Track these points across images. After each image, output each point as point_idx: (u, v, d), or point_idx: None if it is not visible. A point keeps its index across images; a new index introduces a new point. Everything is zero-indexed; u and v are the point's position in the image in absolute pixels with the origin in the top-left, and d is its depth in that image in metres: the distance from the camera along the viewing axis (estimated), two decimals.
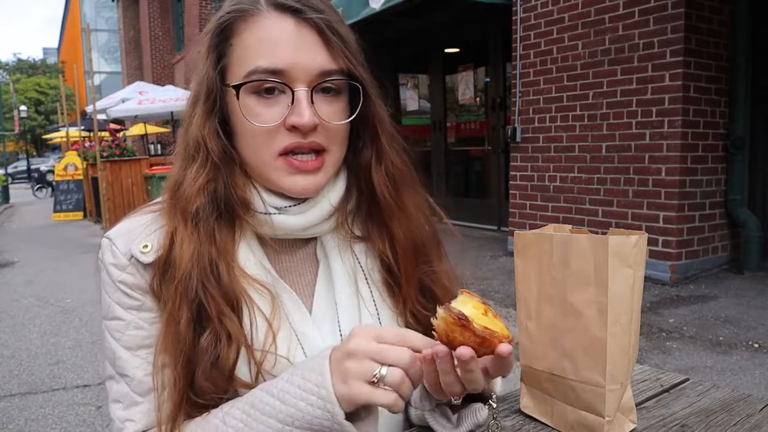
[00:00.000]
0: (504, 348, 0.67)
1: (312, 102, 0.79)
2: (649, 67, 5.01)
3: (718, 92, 5.10)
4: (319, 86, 0.80)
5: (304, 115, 0.78)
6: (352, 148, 0.88)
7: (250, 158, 0.83)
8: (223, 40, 0.82)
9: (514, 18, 6.32)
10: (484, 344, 0.66)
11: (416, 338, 0.69)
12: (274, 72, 0.78)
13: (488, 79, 8.32)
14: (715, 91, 5.07)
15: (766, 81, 5.27)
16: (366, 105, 0.84)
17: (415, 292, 0.89)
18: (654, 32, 4.96)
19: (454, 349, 0.67)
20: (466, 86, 8.71)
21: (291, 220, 0.84)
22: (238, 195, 0.82)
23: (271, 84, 0.79)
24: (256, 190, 0.84)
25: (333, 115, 0.81)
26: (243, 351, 0.79)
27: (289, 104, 0.79)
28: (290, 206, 0.84)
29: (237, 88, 0.79)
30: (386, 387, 0.66)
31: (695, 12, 4.86)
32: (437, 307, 0.68)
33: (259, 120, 0.79)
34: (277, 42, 0.78)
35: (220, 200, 0.81)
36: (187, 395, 0.77)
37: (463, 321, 0.65)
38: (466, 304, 0.69)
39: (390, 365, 0.66)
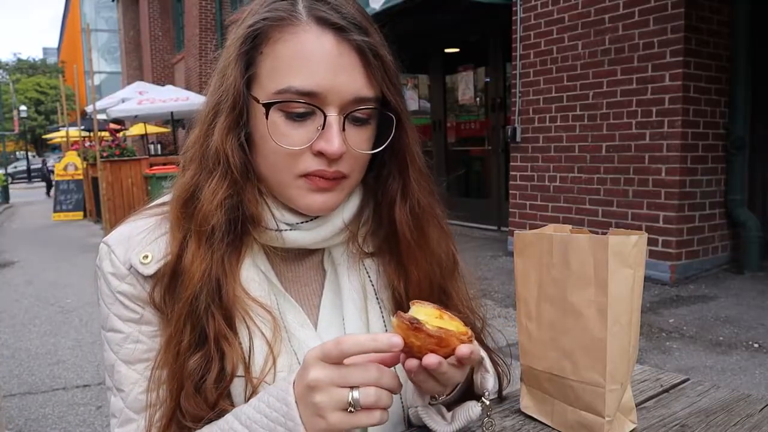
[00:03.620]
0: (463, 350, 0.66)
1: (343, 129, 0.76)
2: (649, 67, 5.01)
3: (718, 92, 5.10)
4: (351, 114, 0.76)
5: (334, 143, 0.74)
6: (374, 172, 0.86)
7: (268, 175, 0.80)
8: (253, 47, 0.77)
9: (514, 18, 6.32)
10: (441, 344, 0.66)
11: (363, 341, 0.63)
12: (308, 94, 0.74)
13: (488, 79, 8.32)
14: (715, 91, 5.07)
15: (766, 81, 5.27)
16: (398, 136, 0.81)
17: None
18: (654, 32, 4.96)
19: (416, 356, 0.66)
20: (466, 86, 8.71)
21: (302, 236, 0.82)
22: (251, 211, 0.79)
23: (303, 107, 0.75)
24: (268, 207, 0.81)
25: (361, 143, 0.78)
26: (239, 372, 0.77)
27: (319, 128, 0.75)
28: (302, 222, 0.82)
29: (267, 107, 0.75)
30: (365, 408, 0.63)
31: (695, 12, 4.86)
32: (391, 317, 0.67)
33: (286, 141, 0.75)
34: (315, 61, 0.73)
35: (237, 219, 0.78)
36: (176, 415, 0.76)
37: (415, 324, 0.64)
38: (418, 313, 0.69)
39: (359, 386, 0.62)
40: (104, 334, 0.81)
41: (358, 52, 0.75)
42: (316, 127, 0.75)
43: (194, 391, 0.74)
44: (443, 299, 0.88)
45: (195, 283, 0.75)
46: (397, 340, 0.63)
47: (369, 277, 0.87)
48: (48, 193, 22.89)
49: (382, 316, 0.86)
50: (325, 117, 0.75)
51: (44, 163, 28.11)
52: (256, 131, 0.78)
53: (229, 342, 0.76)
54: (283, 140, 0.75)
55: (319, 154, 0.76)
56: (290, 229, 0.81)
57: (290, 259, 0.87)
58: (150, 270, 0.78)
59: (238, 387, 0.77)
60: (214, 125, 0.78)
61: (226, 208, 0.77)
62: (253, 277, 0.81)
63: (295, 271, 0.87)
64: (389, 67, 0.78)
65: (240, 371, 0.76)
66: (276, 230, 0.81)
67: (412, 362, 0.67)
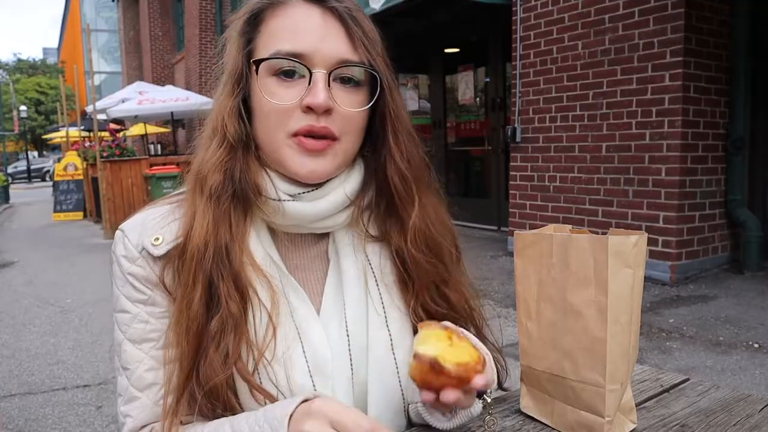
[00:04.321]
0: (478, 382, 0.68)
1: (329, 86, 0.80)
2: (649, 67, 5.01)
3: (718, 92, 5.10)
4: (337, 73, 0.81)
5: (319, 96, 0.78)
6: (371, 144, 0.89)
7: (263, 138, 0.83)
8: (252, 27, 0.84)
9: (514, 18, 6.32)
10: (461, 381, 0.66)
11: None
12: (295, 55, 0.80)
13: (488, 79, 8.32)
14: (715, 91, 5.07)
15: (766, 81, 5.27)
16: (383, 99, 0.85)
17: (428, 289, 0.88)
18: (654, 32, 4.96)
19: (434, 389, 0.67)
20: (466, 86, 8.71)
21: (304, 208, 0.83)
22: (251, 179, 0.83)
23: (291, 65, 0.80)
24: (269, 177, 0.84)
25: (350, 103, 0.82)
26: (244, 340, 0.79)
27: (307, 86, 0.80)
28: (303, 192, 0.84)
29: (257, 63, 0.81)
30: None
31: (695, 12, 4.86)
32: (410, 358, 0.67)
33: (276, 99, 0.80)
34: (302, 28, 0.81)
35: (236, 181, 0.82)
36: (190, 388, 0.78)
37: (436, 367, 0.65)
38: (429, 339, 0.69)
39: None
40: (115, 316, 0.84)
41: (340, 19, 0.82)
42: (304, 86, 0.80)
43: (213, 353, 0.77)
44: (441, 271, 0.89)
45: (203, 238, 0.79)
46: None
47: (370, 262, 0.89)
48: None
49: (382, 301, 0.88)
50: (311, 74, 0.80)
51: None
52: (253, 96, 0.84)
53: (237, 306, 0.79)
54: (274, 98, 0.81)
55: (308, 110, 0.80)
56: (291, 200, 0.83)
57: (296, 247, 0.89)
58: (160, 251, 0.81)
59: (242, 357, 0.78)
60: (219, 98, 0.85)
61: (225, 170, 0.82)
62: (257, 247, 0.84)
63: (301, 258, 0.89)
64: (370, 34, 0.84)
65: (244, 339, 0.79)
66: (277, 200, 0.83)
67: (428, 396, 0.69)
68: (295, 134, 0.80)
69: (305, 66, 0.80)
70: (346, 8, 0.82)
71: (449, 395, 0.67)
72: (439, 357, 0.66)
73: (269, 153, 0.84)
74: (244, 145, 0.84)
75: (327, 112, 0.80)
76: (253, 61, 0.81)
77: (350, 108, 0.82)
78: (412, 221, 0.87)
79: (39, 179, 37.89)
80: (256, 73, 0.81)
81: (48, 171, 30.89)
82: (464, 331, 0.78)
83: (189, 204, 0.84)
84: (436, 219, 0.90)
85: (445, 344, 0.68)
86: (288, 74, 0.81)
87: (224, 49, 0.87)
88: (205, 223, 0.80)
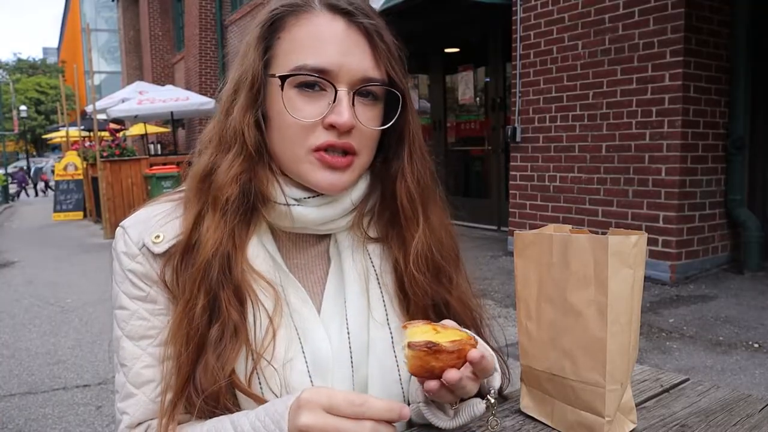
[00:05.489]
0: (474, 354, 0.68)
1: (352, 104, 0.80)
2: (649, 67, 5.01)
3: (718, 92, 5.10)
4: (360, 90, 0.81)
5: (344, 115, 0.79)
6: (382, 155, 0.89)
7: (281, 150, 0.84)
8: (272, 32, 0.83)
9: (514, 18, 6.32)
10: (461, 355, 0.68)
11: (375, 406, 0.64)
12: (320, 71, 0.79)
13: (488, 79, 8.32)
14: (715, 91, 5.07)
15: (767, 81, 5.27)
16: (403, 118, 0.86)
17: (425, 306, 0.88)
18: (654, 32, 4.96)
19: (436, 376, 0.68)
20: (466, 86, 8.71)
21: (310, 212, 0.84)
22: (261, 189, 0.83)
23: (315, 80, 0.80)
24: (278, 183, 0.84)
25: (369, 120, 0.83)
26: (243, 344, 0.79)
27: (330, 103, 0.80)
28: (310, 197, 0.84)
29: (283, 79, 0.80)
30: None
31: (695, 12, 4.86)
32: (405, 350, 0.68)
33: (299, 114, 0.80)
34: (326, 41, 0.80)
35: (249, 192, 0.82)
36: (187, 390, 0.78)
37: (433, 348, 0.66)
38: (416, 334, 0.70)
39: None
40: (114, 312, 0.84)
41: (365, 35, 0.82)
42: (327, 102, 0.80)
43: (212, 360, 0.77)
44: (445, 287, 0.90)
45: (208, 250, 0.79)
46: (406, 413, 0.65)
47: (372, 261, 0.90)
48: (18, 195, 23.09)
49: (383, 300, 0.88)
50: (336, 92, 0.80)
51: (32, 167, 28.14)
52: (272, 108, 0.83)
53: (237, 313, 0.79)
54: (297, 113, 0.81)
55: (330, 128, 0.80)
56: (298, 204, 0.84)
57: (297, 246, 0.89)
58: (160, 248, 0.82)
59: (239, 361, 0.79)
60: (233, 106, 0.83)
61: (241, 182, 0.82)
62: (258, 254, 0.84)
63: (302, 257, 0.90)
64: (393, 51, 0.84)
65: (243, 343, 0.79)
66: (284, 204, 0.83)
67: (432, 383, 0.69)
68: (317, 149, 0.81)
69: (330, 83, 0.80)
70: (372, 24, 0.82)
71: (452, 374, 0.67)
72: (432, 339, 0.67)
73: (287, 164, 0.84)
74: (260, 155, 0.84)
75: (349, 129, 0.80)
76: (279, 76, 0.81)
77: (371, 125, 0.83)
78: (414, 244, 0.87)
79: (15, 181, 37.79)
80: (281, 88, 0.81)
81: (35, 169, 30.83)
82: (451, 322, 0.79)
83: (191, 205, 0.84)
84: (440, 234, 0.91)
85: (430, 334, 0.70)
86: (310, 86, 0.81)
87: (244, 51, 0.85)
88: (215, 237, 0.80)
